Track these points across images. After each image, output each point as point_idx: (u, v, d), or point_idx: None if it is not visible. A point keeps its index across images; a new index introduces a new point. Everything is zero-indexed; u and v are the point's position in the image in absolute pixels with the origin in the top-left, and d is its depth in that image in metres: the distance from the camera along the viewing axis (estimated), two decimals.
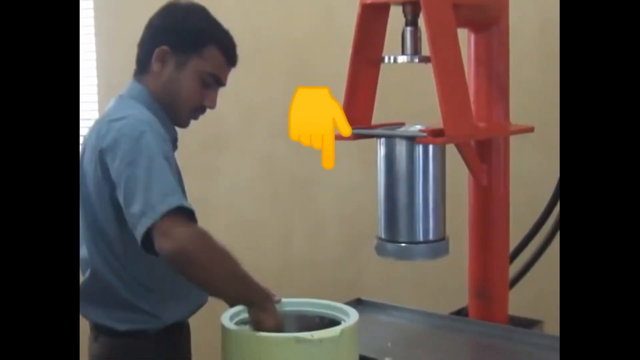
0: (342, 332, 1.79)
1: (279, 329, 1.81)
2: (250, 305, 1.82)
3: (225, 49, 2.02)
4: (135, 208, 1.78)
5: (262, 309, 1.81)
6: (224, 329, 1.86)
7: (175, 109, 2.01)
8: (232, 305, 1.85)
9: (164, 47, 1.99)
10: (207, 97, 2.03)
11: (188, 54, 1.99)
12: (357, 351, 1.82)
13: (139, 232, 1.77)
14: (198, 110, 2.05)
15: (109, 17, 3.70)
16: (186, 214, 1.78)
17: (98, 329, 2.03)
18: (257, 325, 1.80)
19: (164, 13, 2.04)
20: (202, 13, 2.04)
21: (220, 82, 2.05)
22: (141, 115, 1.92)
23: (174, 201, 1.76)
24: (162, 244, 1.74)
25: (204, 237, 1.77)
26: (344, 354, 1.78)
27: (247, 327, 1.85)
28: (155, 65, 2.00)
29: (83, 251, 2.00)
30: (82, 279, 2.01)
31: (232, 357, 1.80)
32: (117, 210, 1.88)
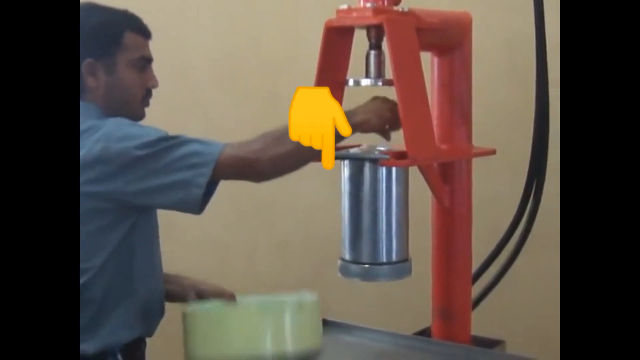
0: (302, 301, 1.80)
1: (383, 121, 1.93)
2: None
3: (137, 28, 2.04)
4: (182, 175, 1.82)
5: (359, 124, 1.88)
6: (187, 315, 1.82)
7: (128, 107, 2.01)
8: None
9: (88, 60, 1.98)
10: (147, 79, 2.05)
11: (111, 53, 1.99)
12: (319, 325, 1.83)
13: (200, 184, 1.83)
14: (146, 96, 2.06)
15: None
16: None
17: None
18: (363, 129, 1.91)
19: None
20: (98, 9, 2.03)
21: (149, 59, 2.06)
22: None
23: (218, 144, 1.88)
24: (248, 163, 1.87)
25: (259, 138, 1.90)
26: (306, 323, 1.79)
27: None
28: (89, 81, 1.99)
29: None
30: None
31: (197, 336, 1.79)
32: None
